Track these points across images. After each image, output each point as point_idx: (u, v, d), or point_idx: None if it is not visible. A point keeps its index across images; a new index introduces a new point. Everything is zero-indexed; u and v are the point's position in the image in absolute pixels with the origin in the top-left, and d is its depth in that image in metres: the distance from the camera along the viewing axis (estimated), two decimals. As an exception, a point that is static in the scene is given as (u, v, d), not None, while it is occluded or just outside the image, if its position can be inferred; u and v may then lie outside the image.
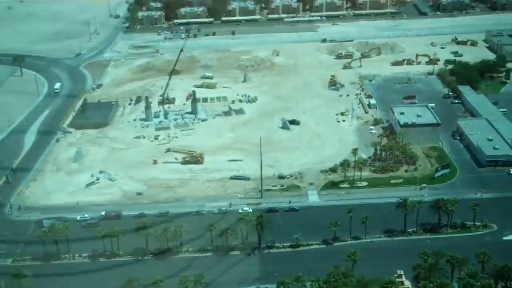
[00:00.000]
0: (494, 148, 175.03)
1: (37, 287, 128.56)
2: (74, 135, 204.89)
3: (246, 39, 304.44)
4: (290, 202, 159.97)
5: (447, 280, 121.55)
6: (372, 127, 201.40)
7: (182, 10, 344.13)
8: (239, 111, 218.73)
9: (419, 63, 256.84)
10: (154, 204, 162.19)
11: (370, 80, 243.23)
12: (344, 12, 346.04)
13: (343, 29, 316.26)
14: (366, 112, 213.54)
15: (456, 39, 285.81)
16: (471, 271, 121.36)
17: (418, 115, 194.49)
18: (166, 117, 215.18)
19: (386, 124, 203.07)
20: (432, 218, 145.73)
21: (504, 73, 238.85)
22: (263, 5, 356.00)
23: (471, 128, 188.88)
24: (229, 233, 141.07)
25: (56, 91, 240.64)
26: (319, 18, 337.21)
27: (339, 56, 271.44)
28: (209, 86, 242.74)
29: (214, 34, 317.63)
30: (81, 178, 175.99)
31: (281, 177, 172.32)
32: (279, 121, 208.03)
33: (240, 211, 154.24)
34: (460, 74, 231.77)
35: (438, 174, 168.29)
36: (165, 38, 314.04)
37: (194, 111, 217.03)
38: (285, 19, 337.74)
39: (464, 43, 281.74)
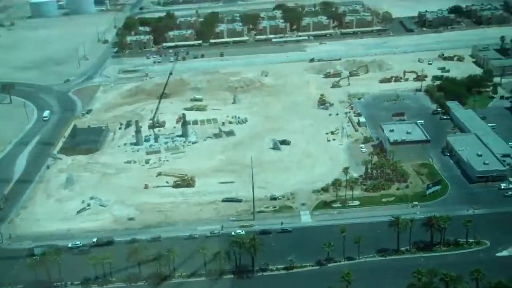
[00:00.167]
0: (484, 163, 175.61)
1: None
2: (65, 161, 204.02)
3: (235, 61, 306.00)
4: (282, 223, 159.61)
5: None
6: (362, 145, 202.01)
7: (171, 33, 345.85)
8: (230, 133, 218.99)
9: (407, 79, 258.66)
10: (146, 229, 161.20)
11: (359, 98, 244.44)
12: (331, 31, 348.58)
13: (331, 48, 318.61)
14: (356, 131, 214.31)
15: (443, 55, 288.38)
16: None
17: (408, 132, 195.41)
18: (156, 141, 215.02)
19: (376, 142, 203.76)
20: (425, 236, 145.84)
21: (491, 88, 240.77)
22: (250, 26, 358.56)
23: (460, 144, 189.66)
24: (222, 257, 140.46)
25: (45, 119, 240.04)
26: (306, 37, 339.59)
27: (327, 75, 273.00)
28: (199, 109, 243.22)
29: (202, 56, 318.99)
30: (72, 204, 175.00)
31: (273, 198, 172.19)
32: (269, 142, 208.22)
33: (233, 233, 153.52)
34: (448, 90, 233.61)
35: (430, 191, 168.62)
36: (154, 62, 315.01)
37: (184, 134, 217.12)
38: (273, 40, 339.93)
39: (451, 58, 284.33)
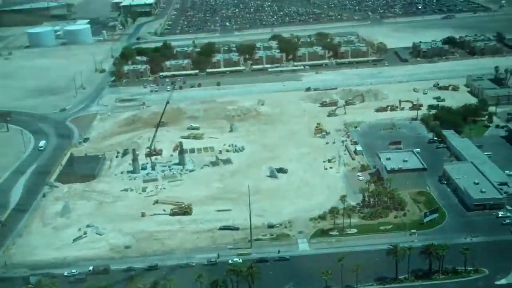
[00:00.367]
0: (482, 191, 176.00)
1: None
2: (61, 190, 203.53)
3: (231, 90, 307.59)
4: (279, 252, 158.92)
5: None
6: (359, 174, 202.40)
7: (167, 63, 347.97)
8: (227, 161, 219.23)
9: (402, 109, 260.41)
10: (143, 257, 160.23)
11: (355, 127, 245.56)
12: (327, 61, 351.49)
13: (327, 78, 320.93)
14: (353, 159, 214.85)
15: (438, 84, 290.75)
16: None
17: (404, 161, 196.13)
18: (153, 169, 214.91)
19: (373, 170, 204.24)
20: (423, 264, 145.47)
21: (486, 117, 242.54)
22: (247, 56, 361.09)
23: (457, 172, 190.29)
24: (219, 285, 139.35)
25: (40, 148, 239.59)
26: (302, 67, 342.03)
27: (323, 104, 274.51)
28: (196, 137, 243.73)
29: (199, 85, 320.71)
30: (68, 232, 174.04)
31: (271, 226, 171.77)
32: (266, 170, 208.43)
33: (230, 261, 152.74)
34: (444, 119, 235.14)
35: (427, 219, 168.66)
36: (151, 91, 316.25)
37: (181, 162, 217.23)
38: (269, 69, 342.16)
39: (445, 88, 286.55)
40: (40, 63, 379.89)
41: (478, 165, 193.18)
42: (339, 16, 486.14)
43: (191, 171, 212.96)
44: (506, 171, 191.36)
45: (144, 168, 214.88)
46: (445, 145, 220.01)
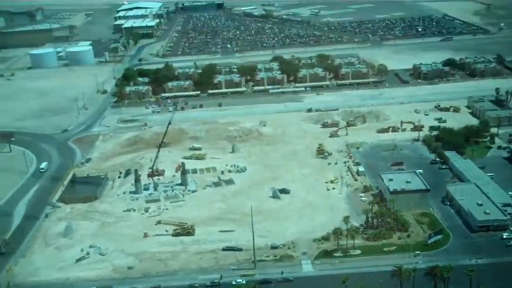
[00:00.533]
0: (485, 213, 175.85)
1: None
2: (64, 210, 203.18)
3: (233, 111, 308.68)
4: (282, 273, 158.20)
5: None
6: (362, 195, 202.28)
7: (169, 84, 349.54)
8: (229, 182, 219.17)
9: (404, 130, 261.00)
10: (146, 278, 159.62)
11: (357, 148, 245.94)
12: (328, 82, 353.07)
13: (328, 99, 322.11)
14: (355, 180, 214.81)
15: (439, 105, 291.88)
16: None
17: (407, 182, 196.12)
18: (156, 189, 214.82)
19: (376, 191, 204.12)
20: (428, 286, 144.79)
21: (488, 138, 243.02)
22: (248, 77, 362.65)
23: (460, 194, 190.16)
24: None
25: (41, 170, 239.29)
26: (303, 88, 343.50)
27: (325, 125, 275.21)
28: (198, 158, 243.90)
29: (201, 106, 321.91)
30: (70, 253, 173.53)
31: (274, 247, 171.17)
32: (269, 191, 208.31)
33: (233, 283, 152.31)
34: (446, 140, 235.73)
35: (431, 240, 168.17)
36: (153, 112, 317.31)
37: (184, 183, 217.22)
38: (270, 91, 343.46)
39: (447, 109, 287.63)
40: (42, 84, 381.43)
41: (481, 186, 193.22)
42: (339, 38, 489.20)
43: (193, 191, 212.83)
44: (509, 192, 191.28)
45: (146, 189, 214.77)
46: (447, 166, 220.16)
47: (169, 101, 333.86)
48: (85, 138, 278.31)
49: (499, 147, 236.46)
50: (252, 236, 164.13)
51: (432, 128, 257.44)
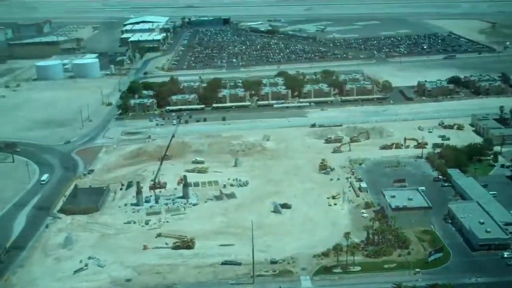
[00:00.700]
0: (487, 231, 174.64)
1: None
2: (64, 221, 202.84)
3: (237, 125, 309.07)
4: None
5: None
6: (363, 211, 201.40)
7: (174, 97, 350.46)
8: (231, 195, 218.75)
9: (407, 147, 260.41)
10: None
11: (360, 164, 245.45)
12: (332, 98, 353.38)
13: (332, 114, 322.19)
14: (357, 196, 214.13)
15: (443, 123, 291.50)
16: None
17: (409, 199, 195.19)
18: (157, 202, 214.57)
19: (378, 208, 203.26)
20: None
21: (492, 156, 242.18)
22: (252, 92, 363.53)
23: (462, 212, 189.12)
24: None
25: (42, 182, 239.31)
26: (307, 104, 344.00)
27: (328, 141, 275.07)
28: (200, 171, 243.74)
29: (205, 120, 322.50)
30: (69, 264, 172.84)
31: (274, 262, 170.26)
32: (270, 205, 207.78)
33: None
34: (449, 158, 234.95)
35: (432, 258, 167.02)
36: (157, 125, 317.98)
37: (185, 196, 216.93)
38: (275, 105, 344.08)
39: (450, 127, 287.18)
40: (48, 95, 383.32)
41: (483, 205, 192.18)
42: (344, 55, 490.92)
43: (194, 204, 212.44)
44: (511, 211, 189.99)
45: (147, 201, 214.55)
46: (450, 184, 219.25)
47: (173, 114, 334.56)
48: (88, 150, 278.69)
49: (502, 166, 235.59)
50: (252, 251, 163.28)
51: (435, 145, 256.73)
